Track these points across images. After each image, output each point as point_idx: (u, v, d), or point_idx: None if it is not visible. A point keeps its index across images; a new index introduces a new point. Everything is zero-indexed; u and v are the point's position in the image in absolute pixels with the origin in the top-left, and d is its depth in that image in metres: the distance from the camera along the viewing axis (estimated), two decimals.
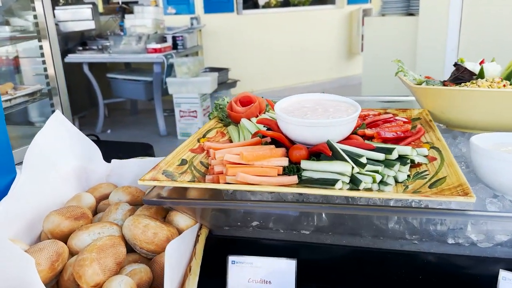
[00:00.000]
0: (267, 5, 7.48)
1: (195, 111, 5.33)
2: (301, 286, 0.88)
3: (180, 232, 0.93)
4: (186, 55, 5.79)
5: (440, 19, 3.82)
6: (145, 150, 1.84)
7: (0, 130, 0.90)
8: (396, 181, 0.91)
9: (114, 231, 0.90)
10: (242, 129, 1.23)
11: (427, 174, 0.90)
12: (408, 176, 0.92)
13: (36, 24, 1.70)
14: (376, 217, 0.90)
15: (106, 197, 1.14)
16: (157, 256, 0.87)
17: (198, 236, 0.94)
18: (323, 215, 0.91)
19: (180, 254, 0.83)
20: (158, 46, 5.33)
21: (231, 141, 1.21)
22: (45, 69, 1.75)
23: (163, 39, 5.59)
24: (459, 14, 3.71)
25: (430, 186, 0.85)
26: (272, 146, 1.01)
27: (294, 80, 7.58)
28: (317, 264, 0.91)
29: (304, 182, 0.92)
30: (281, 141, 1.03)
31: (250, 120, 1.25)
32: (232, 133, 1.23)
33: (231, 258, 0.92)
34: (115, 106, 6.65)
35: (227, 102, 1.38)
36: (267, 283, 0.90)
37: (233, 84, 6.03)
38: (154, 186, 0.92)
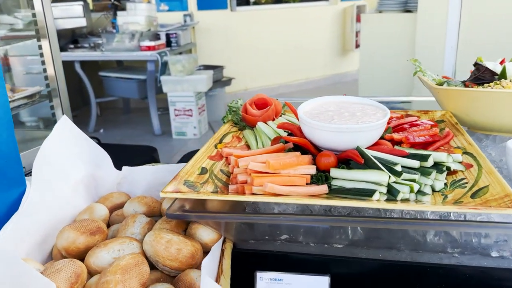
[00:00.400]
0: (258, 2, 7.42)
1: (191, 109, 5.26)
2: None
3: (203, 246, 0.87)
4: (180, 53, 5.70)
5: (439, 16, 3.78)
6: (150, 153, 1.77)
7: (9, 141, 0.83)
8: (433, 190, 0.86)
9: (134, 248, 0.83)
10: (259, 134, 1.17)
11: (466, 183, 0.85)
12: (445, 184, 0.87)
13: (35, 23, 1.62)
14: (412, 230, 0.85)
15: (118, 207, 1.07)
16: (181, 274, 0.81)
17: (222, 250, 0.88)
18: (358, 228, 0.86)
19: (211, 273, 0.77)
20: (152, 43, 5.24)
21: (248, 147, 1.16)
22: (45, 70, 1.67)
23: (156, 37, 5.50)
24: (458, 11, 3.68)
25: (473, 196, 0.80)
26: (298, 153, 0.95)
27: (288, 78, 7.53)
28: (351, 280, 0.86)
29: (334, 191, 0.87)
30: (306, 148, 0.98)
31: (267, 124, 1.20)
32: (249, 138, 1.17)
33: (259, 274, 0.86)
34: (107, 105, 6.55)
35: (241, 105, 1.33)
36: None
37: (228, 82, 5.96)
38: (176, 198, 0.86)
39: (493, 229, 0.77)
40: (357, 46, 8.04)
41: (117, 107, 6.71)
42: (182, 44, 5.71)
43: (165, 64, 5.21)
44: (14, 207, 0.84)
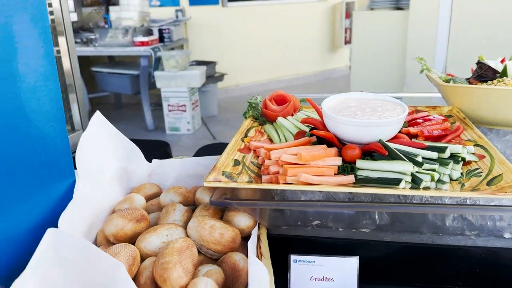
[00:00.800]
0: None
1: (184, 105, 5.30)
2: (363, 282, 0.90)
3: (240, 232, 0.94)
4: (172, 48, 5.73)
5: (431, 14, 3.89)
6: (163, 148, 1.83)
7: (62, 135, 0.89)
8: (450, 179, 0.94)
9: (179, 233, 0.90)
10: (280, 128, 1.24)
11: (481, 172, 0.94)
12: (461, 174, 0.95)
13: (52, 21, 1.66)
14: (432, 215, 0.94)
15: (150, 197, 1.14)
16: (224, 256, 0.88)
17: (258, 235, 0.95)
18: (384, 213, 0.94)
19: (253, 254, 0.84)
20: (145, 39, 5.26)
21: (270, 140, 1.23)
22: (61, 66, 1.71)
23: (149, 32, 5.51)
24: (449, 9, 3.79)
25: (489, 184, 0.88)
26: (325, 146, 1.03)
27: (279, 73, 7.61)
28: (377, 261, 0.94)
29: (360, 181, 0.95)
30: (331, 141, 1.05)
31: (286, 119, 1.27)
32: (270, 132, 1.24)
33: (293, 257, 0.94)
34: (99, 100, 6.55)
35: (260, 101, 1.39)
36: (329, 281, 0.93)
37: (221, 77, 6.02)
38: (216, 188, 0.93)
39: (508, 212, 0.86)
40: (346, 42, 8.16)
41: (108, 102, 6.71)
42: (175, 40, 5.74)
43: (158, 60, 5.24)
44: (65, 197, 0.90)
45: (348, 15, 8.02)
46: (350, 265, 0.92)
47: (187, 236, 0.90)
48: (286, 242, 0.98)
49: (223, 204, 0.90)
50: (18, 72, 0.76)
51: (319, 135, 1.05)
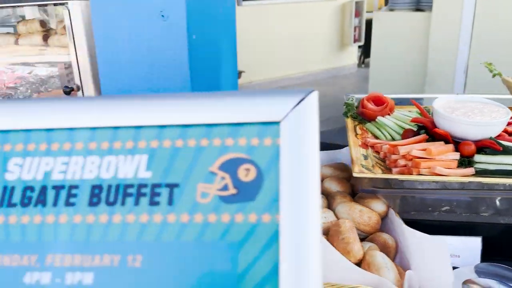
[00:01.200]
0: None
1: None
2: (484, 259, 1.07)
3: None
4: None
5: (454, 15, 4.05)
6: None
7: None
8: None
9: (332, 215, 1.06)
10: (382, 126, 1.39)
11: None
12: None
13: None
14: None
15: None
16: (374, 235, 1.04)
17: None
18: (503, 200, 1.10)
19: None
20: None
21: (375, 137, 1.38)
22: None
23: None
24: (472, 10, 3.96)
25: None
26: (443, 142, 1.19)
27: (289, 71, 7.76)
28: (497, 240, 1.10)
29: (480, 172, 1.11)
30: (446, 138, 1.21)
31: (386, 118, 1.42)
32: (374, 130, 1.39)
33: None
34: None
35: (354, 102, 1.55)
36: (456, 257, 1.09)
37: (238, 75, 6.15)
38: (357, 178, 1.09)
39: None
40: (355, 40, 8.33)
41: None
42: None
43: None
44: None
45: (358, 13, 8.20)
46: (474, 243, 1.08)
47: (337, 218, 1.06)
48: (414, 224, 1.13)
49: (373, 192, 1.06)
50: (221, 74, 0.91)
51: (440, 133, 1.20)
